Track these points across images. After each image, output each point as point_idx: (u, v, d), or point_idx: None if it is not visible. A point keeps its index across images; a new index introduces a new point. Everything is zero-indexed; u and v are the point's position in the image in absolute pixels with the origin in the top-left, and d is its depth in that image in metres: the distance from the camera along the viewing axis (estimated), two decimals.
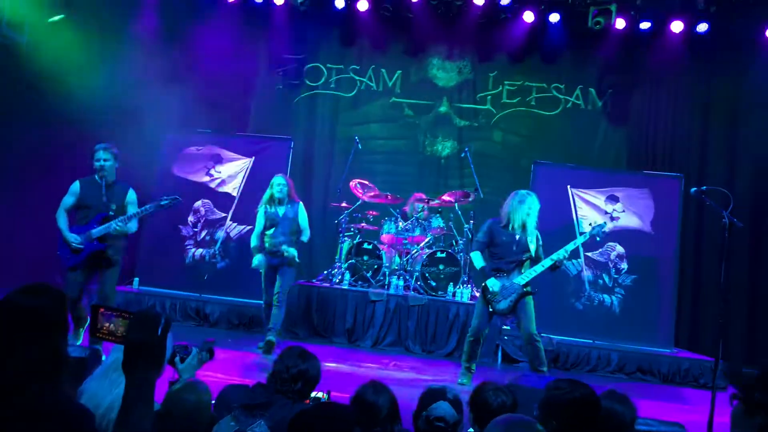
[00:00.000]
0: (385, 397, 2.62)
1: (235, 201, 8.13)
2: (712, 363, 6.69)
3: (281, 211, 6.33)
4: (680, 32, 8.58)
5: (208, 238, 8.09)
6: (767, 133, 8.58)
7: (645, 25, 8.65)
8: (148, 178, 8.19)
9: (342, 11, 9.19)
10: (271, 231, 6.26)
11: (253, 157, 8.18)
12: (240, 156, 8.22)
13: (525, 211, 5.45)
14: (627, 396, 2.65)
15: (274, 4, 9.12)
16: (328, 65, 9.84)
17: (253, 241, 6.46)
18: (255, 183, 8.11)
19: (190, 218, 8.12)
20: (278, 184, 6.30)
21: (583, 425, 2.38)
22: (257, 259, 6.37)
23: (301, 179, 8.98)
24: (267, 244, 6.31)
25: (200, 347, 2.96)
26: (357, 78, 9.81)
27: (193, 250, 8.08)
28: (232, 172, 8.19)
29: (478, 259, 5.58)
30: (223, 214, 8.12)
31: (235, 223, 8.09)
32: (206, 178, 8.21)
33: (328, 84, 9.85)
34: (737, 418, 1.96)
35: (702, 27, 8.48)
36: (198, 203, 8.14)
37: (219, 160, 8.23)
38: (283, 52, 9.75)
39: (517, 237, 5.46)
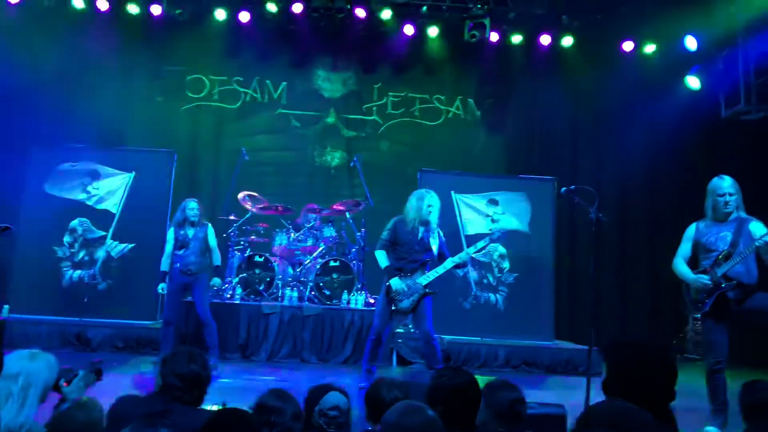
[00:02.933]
0: (288, 402, 2.62)
1: (116, 218, 7.75)
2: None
3: (191, 232, 6.46)
4: (548, 45, 9.23)
5: (87, 258, 7.65)
6: (629, 136, 9.46)
7: (517, 39, 9.22)
8: (15, 197, 7.65)
9: (223, 22, 9.06)
10: (182, 251, 6.42)
11: (134, 172, 7.84)
12: (119, 171, 7.86)
13: (424, 208, 5.51)
14: (510, 382, 2.81)
15: (152, 13, 8.83)
16: (211, 77, 9.65)
17: (163, 265, 6.49)
18: (137, 198, 7.79)
19: (66, 238, 7.65)
20: (191, 208, 6.50)
21: (465, 411, 2.50)
22: (162, 287, 6.46)
23: (186, 193, 8.68)
24: (177, 264, 6.42)
25: (87, 368, 2.82)
26: (241, 89, 9.70)
27: (71, 272, 7.61)
28: (111, 188, 7.80)
29: (382, 258, 5.59)
30: (103, 233, 7.71)
31: (117, 242, 7.71)
32: (83, 196, 7.77)
33: (211, 96, 9.65)
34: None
35: (567, 41, 9.16)
36: (74, 222, 7.68)
37: (96, 175, 7.82)
38: (163, 63, 9.46)
39: (419, 236, 5.54)
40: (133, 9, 8.77)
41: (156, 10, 8.77)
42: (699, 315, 4.69)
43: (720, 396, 4.43)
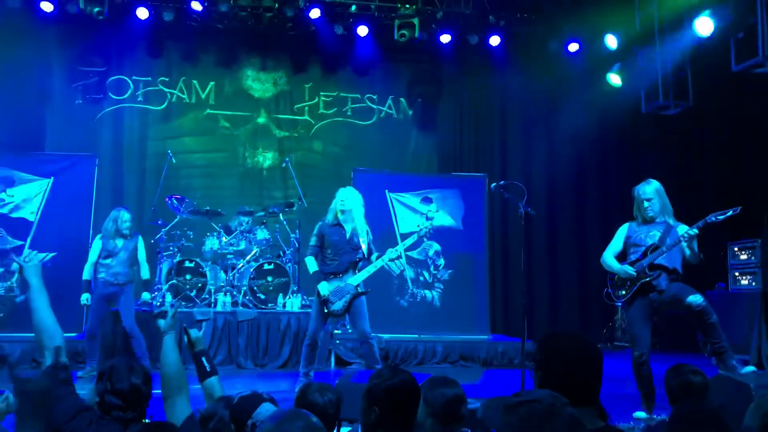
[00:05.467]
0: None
1: (34, 226, 7.34)
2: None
3: (120, 243, 6.29)
4: (476, 44, 9.35)
5: (2, 270, 7.21)
6: (556, 131, 9.73)
7: (445, 38, 9.29)
8: None
9: (145, 21, 8.73)
10: (108, 261, 6.23)
11: (53, 178, 7.45)
12: (36, 177, 7.45)
13: (337, 201, 5.53)
14: (450, 378, 2.75)
15: (68, 12, 8.42)
16: (134, 77, 9.30)
17: (86, 274, 6.30)
18: (56, 205, 7.41)
19: None
20: (124, 220, 6.30)
21: (404, 411, 2.45)
22: (86, 297, 6.23)
23: (111, 199, 8.37)
24: (103, 274, 6.22)
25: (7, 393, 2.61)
26: (167, 90, 9.39)
27: None
28: (27, 196, 7.38)
29: (311, 264, 5.55)
30: (20, 242, 7.29)
31: (36, 251, 7.30)
32: None
33: (135, 97, 9.30)
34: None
35: (494, 40, 9.30)
36: None
37: (11, 182, 7.38)
38: (82, 65, 9.06)
39: (348, 236, 5.52)
40: (47, 7, 8.32)
41: (72, 8, 8.36)
42: (621, 303, 4.86)
43: (647, 384, 4.60)
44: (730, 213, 4.47)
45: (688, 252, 4.54)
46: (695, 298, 4.45)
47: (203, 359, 2.89)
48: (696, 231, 4.46)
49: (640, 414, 4.56)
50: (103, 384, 2.41)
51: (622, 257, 4.85)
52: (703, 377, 3.07)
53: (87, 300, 6.20)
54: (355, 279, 5.49)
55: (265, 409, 2.32)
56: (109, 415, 2.40)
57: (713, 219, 4.49)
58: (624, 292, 4.72)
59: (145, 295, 6.47)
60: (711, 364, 4.73)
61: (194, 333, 2.94)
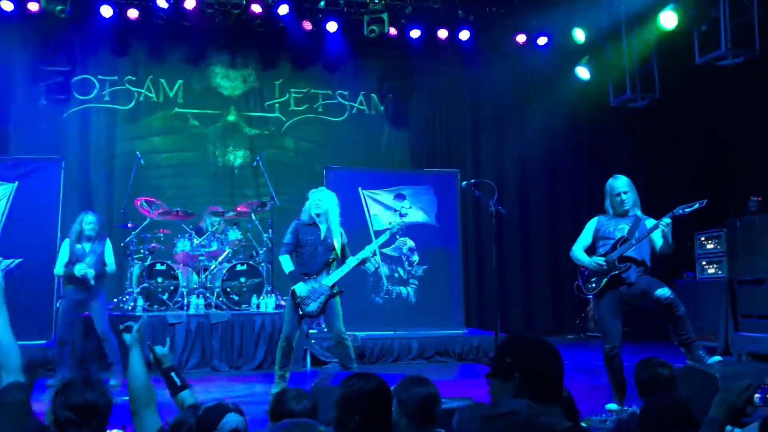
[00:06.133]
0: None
1: None
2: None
3: (87, 246, 6.19)
4: (446, 39, 9.36)
5: None
6: (528, 126, 9.79)
7: (415, 33, 9.28)
8: None
9: (110, 20, 8.56)
10: (77, 265, 6.10)
11: (17, 182, 7.28)
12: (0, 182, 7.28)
13: (312, 201, 5.51)
14: (424, 377, 2.75)
15: (29, 11, 8.22)
16: (100, 77, 9.12)
17: (61, 271, 6.20)
18: (21, 211, 7.24)
19: None
20: (88, 222, 6.17)
21: (384, 414, 2.45)
22: (79, 267, 6.00)
23: (79, 201, 8.21)
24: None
25: None
26: (134, 89, 9.23)
27: None
28: None
29: (286, 263, 5.51)
30: None
31: (1, 258, 7.13)
32: None
33: (101, 97, 9.12)
34: (496, 392, 2.11)
35: (464, 34, 9.31)
36: None
37: None
38: (46, 65, 8.85)
39: (322, 236, 5.51)
40: (6, 6, 8.12)
41: (33, 6, 8.16)
42: (591, 296, 4.92)
43: (618, 376, 4.68)
44: (696, 206, 4.54)
45: (660, 242, 4.59)
46: (663, 292, 4.53)
47: (173, 374, 2.85)
48: (670, 221, 4.53)
49: (612, 406, 4.63)
50: (57, 399, 2.35)
51: (591, 251, 4.90)
52: (671, 370, 3.13)
53: (83, 268, 5.96)
54: (330, 279, 5.47)
55: (231, 419, 2.29)
56: (69, 428, 2.35)
57: (680, 212, 4.56)
58: (594, 285, 4.78)
59: (90, 272, 5.98)
60: (681, 353, 4.82)
61: (159, 350, 2.89)
